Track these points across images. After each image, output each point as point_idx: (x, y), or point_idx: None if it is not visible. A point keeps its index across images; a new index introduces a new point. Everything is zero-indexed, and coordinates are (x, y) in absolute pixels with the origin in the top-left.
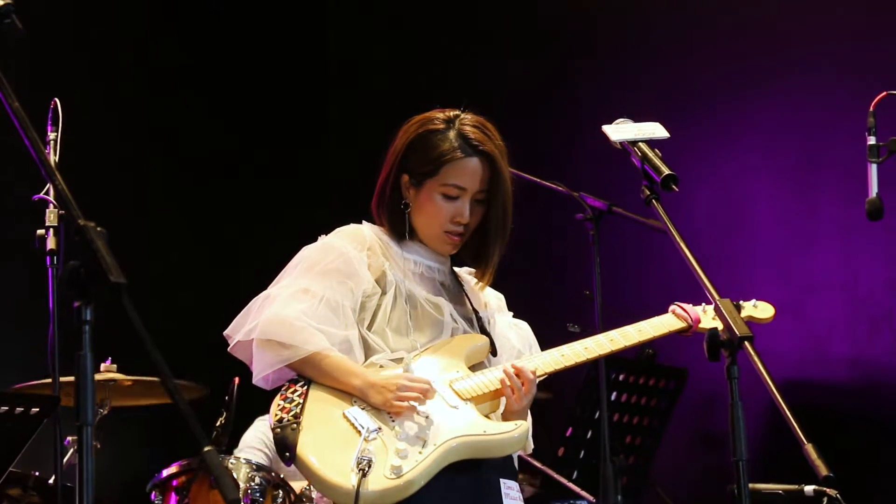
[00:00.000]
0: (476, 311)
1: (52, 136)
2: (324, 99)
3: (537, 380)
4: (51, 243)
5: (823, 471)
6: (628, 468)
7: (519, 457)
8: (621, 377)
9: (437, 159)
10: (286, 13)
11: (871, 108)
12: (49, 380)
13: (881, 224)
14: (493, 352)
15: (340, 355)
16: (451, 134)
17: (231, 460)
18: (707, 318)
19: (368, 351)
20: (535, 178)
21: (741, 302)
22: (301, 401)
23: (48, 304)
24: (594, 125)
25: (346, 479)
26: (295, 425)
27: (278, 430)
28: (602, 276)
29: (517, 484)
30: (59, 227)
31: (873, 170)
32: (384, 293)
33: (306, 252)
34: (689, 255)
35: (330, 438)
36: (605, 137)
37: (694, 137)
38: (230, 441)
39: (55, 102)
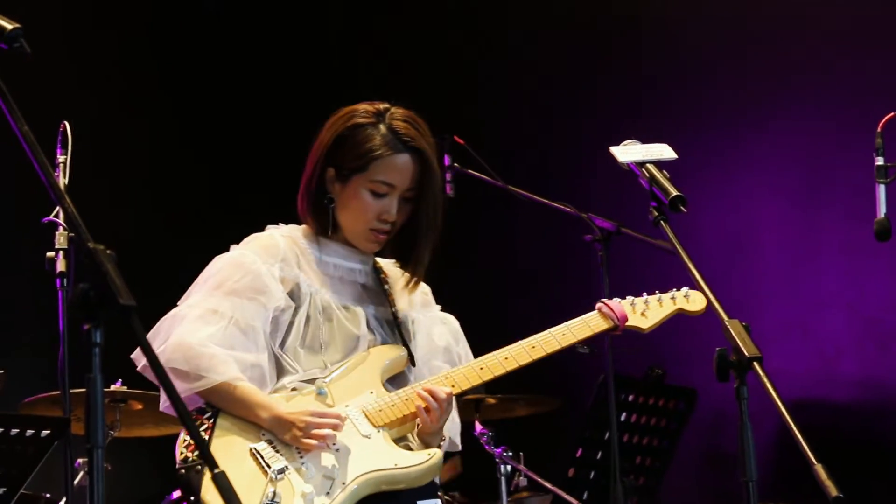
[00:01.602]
0: (396, 315)
1: (61, 158)
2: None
3: (453, 398)
4: (60, 266)
5: (833, 492)
6: (638, 489)
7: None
8: (630, 398)
9: (366, 154)
10: (290, 23)
11: (879, 129)
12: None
13: (888, 244)
14: (412, 361)
15: (248, 385)
16: (382, 128)
17: None
18: (636, 315)
19: (280, 371)
20: (543, 200)
21: (672, 291)
22: (206, 436)
23: (58, 325)
24: (602, 147)
25: None
26: (199, 466)
27: (183, 471)
28: (610, 296)
29: (438, 501)
30: (69, 249)
31: (881, 190)
32: (298, 307)
33: (216, 266)
34: (697, 276)
35: (236, 481)
36: (612, 159)
37: (702, 158)
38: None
39: (64, 125)
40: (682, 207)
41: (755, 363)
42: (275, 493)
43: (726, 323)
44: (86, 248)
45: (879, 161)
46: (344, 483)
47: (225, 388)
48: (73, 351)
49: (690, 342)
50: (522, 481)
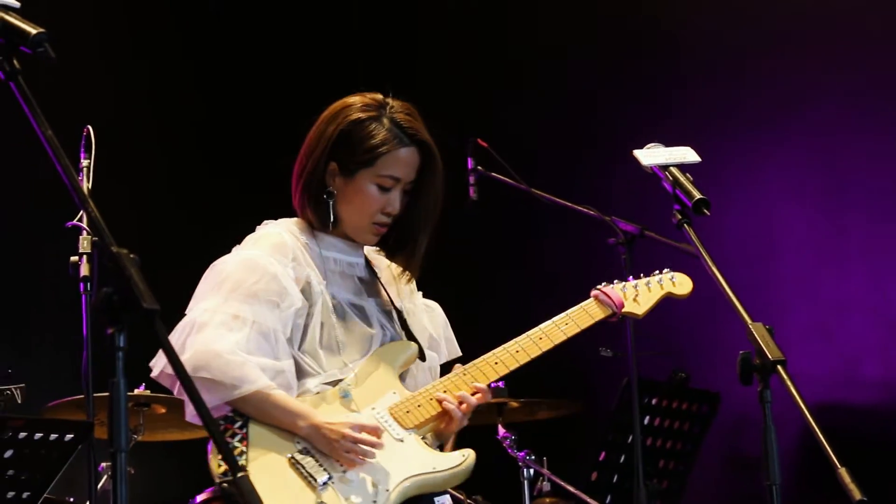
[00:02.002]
0: (395, 306)
1: (84, 163)
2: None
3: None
4: (84, 270)
5: (857, 495)
6: (661, 492)
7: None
8: (654, 401)
9: (374, 149)
10: (314, 23)
11: None
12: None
13: None
14: (422, 356)
15: (282, 393)
16: (385, 122)
17: None
18: (629, 300)
19: (301, 373)
20: (567, 203)
21: (656, 273)
22: (243, 448)
23: (82, 329)
24: (626, 150)
25: None
26: None
27: (224, 485)
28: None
29: (448, 497)
30: (93, 253)
31: None
32: (311, 306)
33: (227, 269)
34: (720, 279)
35: (280, 492)
36: (636, 162)
37: (725, 161)
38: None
39: (88, 130)
40: (705, 210)
41: (779, 366)
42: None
43: (750, 326)
44: (109, 251)
45: None
46: (388, 490)
47: (259, 397)
48: (97, 355)
49: (714, 345)
50: (545, 485)
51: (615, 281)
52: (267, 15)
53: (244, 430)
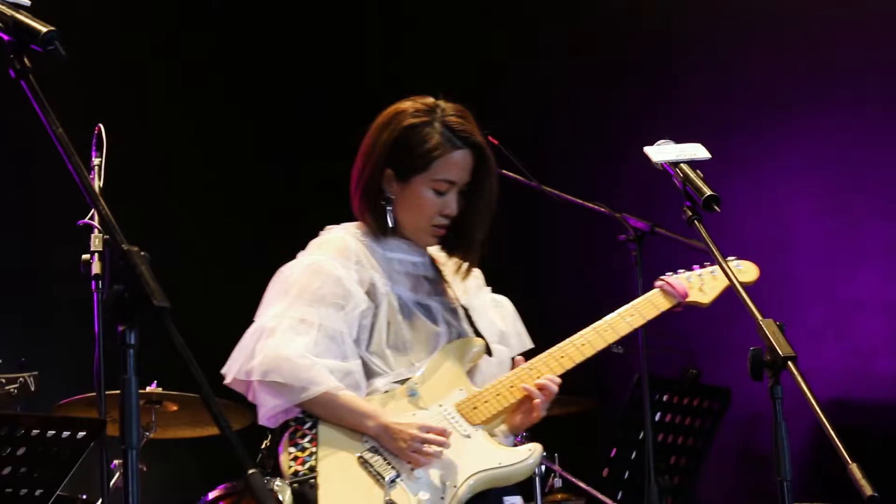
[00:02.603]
0: (461, 303)
1: (96, 161)
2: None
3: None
4: (95, 268)
5: (868, 491)
6: (673, 488)
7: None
8: (665, 397)
9: (428, 154)
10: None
11: None
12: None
13: None
14: (489, 352)
15: (350, 394)
16: (437, 126)
17: (277, 482)
18: (694, 289)
19: (369, 374)
20: (578, 200)
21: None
22: (313, 448)
23: (93, 327)
24: (636, 147)
25: None
26: (312, 480)
27: (296, 485)
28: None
29: (520, 498)
30: (104, 251)
31: None
32: (377, 307)
33: (293, 275)
34: (731, 275)
35: (350, 491)
36: (646, 159)
37: (736, 158)
38: (275, 463)
39: (99, 128)
40: (715, 207)
41: (790, 362)
42: (391, 501)
43: (761, 322)
44: (120, 249)
45: None
46: (455, 486)
47: (327, 398)
48: (109, 352)
49: (725, 342)
50: (557, 482)
51: (679, 270)
52: (290, 9)
53: (313, 431)
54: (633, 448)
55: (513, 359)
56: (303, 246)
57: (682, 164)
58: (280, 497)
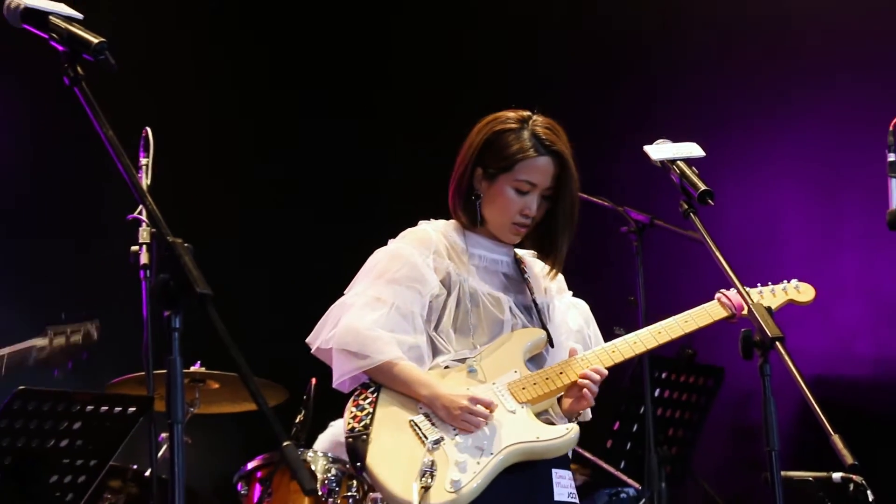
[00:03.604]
0: (535, 301)
1: (143, 161)
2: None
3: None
4: (143, 258)
5: (849, 459)
6: (671, 458)
7: (571, 449)
8: (664, 375)
9: (513, 156)
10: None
11: (891, 128)
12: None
13: None
14: (551, 343)
15: (410, 364)
16: (525, 133)
17: (309, 453)
18: (744, 303)
19: (435, 351)
20: (582, 195)
21: (783, 283)
22: (371, 409)
23: (142, 312)
24: (636, 144)
25: (408, 493)
26: (365, 436)
27: (350, 439)
28: (646, 282)
29: (569, 472)
30: (151, 243)
31: (893, 184)
32: (449, 293)
33: (377, 258)
34: (724, 263)
35: (396, 449)
36: (646, 157)
37: (728, 155)
38: (308, 436)
39: (146, 131)
40: (709, 201)
41: (777, 343)
42: (432, 462)
43: (751, 306)
44: (166, 241)
45: (891, 157)
46: (493, 454)
47: (388, 367)
48: (156, 335)
49: (719, 324)
50: None
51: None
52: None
53: (375, 395)
54: (635, 421)
55: (570, 350)
56: (330, 245)
57: (678, 162)
58: (313, 466)
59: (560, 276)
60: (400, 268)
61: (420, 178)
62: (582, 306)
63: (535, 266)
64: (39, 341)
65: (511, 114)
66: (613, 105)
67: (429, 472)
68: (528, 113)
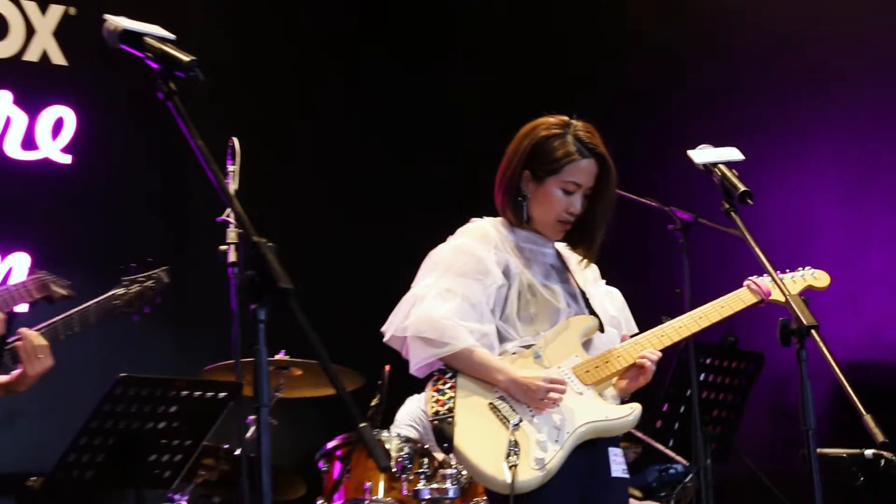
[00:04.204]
0: (580, 288)
1: (231, 168)
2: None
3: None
4: (231, 257)
5: (880, 437)
6: (716, 437)
7: None
8: (708, 361)
9: (560, 160)
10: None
11: None
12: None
13: None
14: (601, 328)
15: (484, 350)
16: (569, 138)
17: (384, 433)
18: (776, 290)
19: (501, 338)
20: (631, 196)
21: (800, 269)
22: (452, 393)
23: (231, 306)
24: (681, 148)
25: (500, 471)
26: (450, 419)
27: (436, 422)
28: (691, 278)
29: (621, 450)
30: (238, 243)
31: None
32: (510, 285)
33: (443, 253)
34: (763, 258)
35: (481, 431)
36: (690, 161)
37: (765, 158)
38: (383, 418)
39: (233, 141)
40: (749, 200)
41: (813, 330)
42: (515, 442)
43: (788, 297)
44: (252, 241)
45: None
46: (569, 432)
47: (465, 354)
48: (244, 327)
49: (758, 314)
50: None
51: (763, 275)
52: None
53: (453, 381)
54: (682, 403)
55: (622, 336)
56: (399, 244)
57: (720, 165)
58: (387, 445)
59: (594, 266)
60: (466, 261)
61: (471, 187)
62: (616, 294)
63: (572, 257)
64: (118, 290)
65: (552, 119)
66: (661, 115)
67: (513, 451)
68: (567, 118)
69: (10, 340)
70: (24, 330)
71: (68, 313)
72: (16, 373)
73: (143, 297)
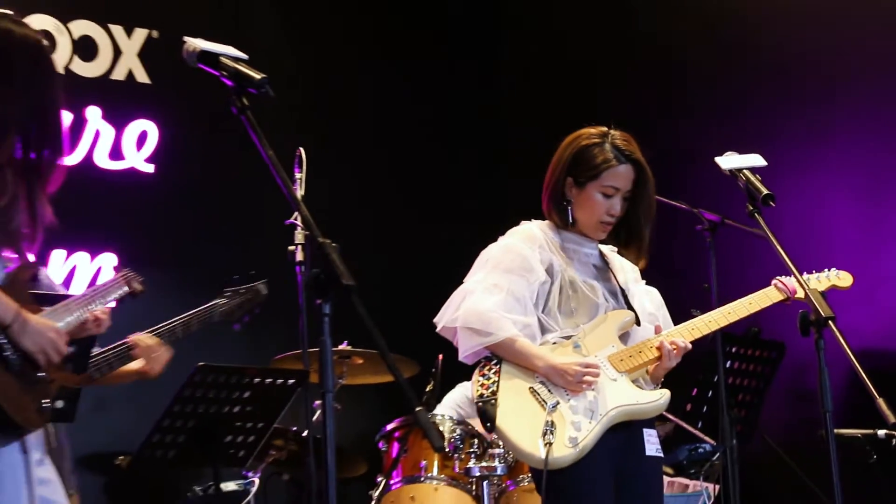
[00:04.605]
0: (620, 286)
1: (298, 176)
2: (504, 136)
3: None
4: (299, 256)
5: (892, 418)
6: (741, 419)
7: None
8: (734, 349)
9: (599, 166)
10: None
11: None
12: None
13: None
14: (638, 322)
15: (526, 340)
16: (607, 146)
17: (438, 416)
18: (801, 289)
19: (543, 329)
20: (662, 198)
21: (825, 271)
22: (496, 378)
23: (298, 301)
24: (708, 156)
25: (536, 448)
26: (493, 401)
27: (480, 403)
28: (718, 275)
29: (655, 431)
30: (305, 244)
31: None
32: (553, 281)
33: (493, 252)
34: (784, 256)
35: (520, 411)
36: (717, 166)
37: (786, 163)
38: (436, 402)
39: (300, 151)
40: (771, 203)
41: (830, 322)
42: (552, 422)
43: (808, 291)
44: (317, 242)
45: None
46: (602, 415)
47: (509, 343)
48: (310, 320)
49: (780, 307)
50: None
51: (790, 275)
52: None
53: (498, 367)
54: (710, 388)
55: (656, 327)
56: (454, 243)
57: (744, 170)
58: (441, 427)
59: (636, 268)
60: (513, 259)
61: (526, 192)
62: (654, 293)
63: (615, 258)
64: (220, 301)
65: (592, 130)
66: (689, 125)
67: (549, 430)
68: (605, 129)
69: (120, 344)
70: (133, 337)
71: (171, 322)
72: (134, 366)
73: (243, 307)
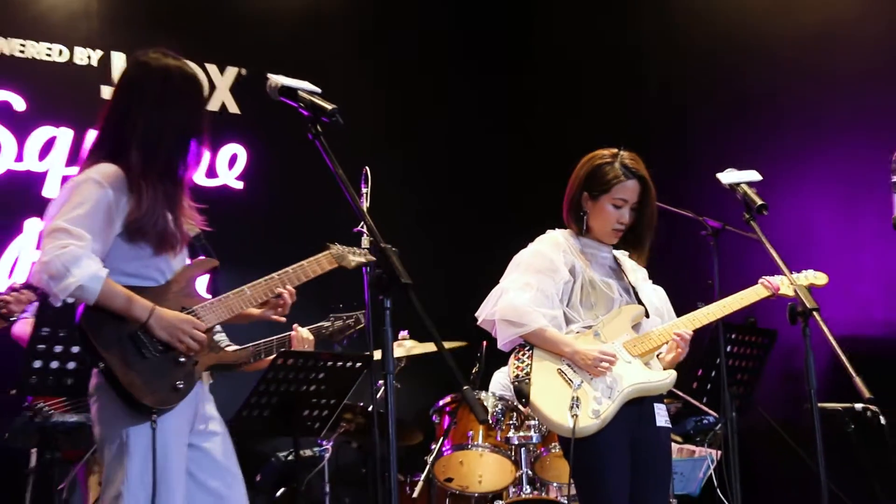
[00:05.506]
0: (632, 284)
1: (364, 190)
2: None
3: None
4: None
5: (866, 394)
6: (739, 395)
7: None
8: (733, 336)
9: (610, 181)
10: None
11: (894, 158)
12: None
13: None
14: (647, 315)
15: (554, 330)
16: (617, 164)
17: (483, 394)
18: (785, 286)
19: (568, 321)
20: (669, 207)
21: (803, 271)
22: (529, 361)
23: (364, 296)
24: (711, 170)
25: (565, 419)
26: (527, 380)
27: (516, 383)
28: (720, 276)
29: (664, 406)
30: (370, 248)
31: None
32: (575, 280)
33: (523, 256)
34: (776, 257)
35: (550, 389)
36: (717, 181)
37: (778, 176)
38: (481, 382)
39: (366, 170)
40: (765, 212)
41: (815, 312)
42: (577, 398)
43: (796, 287)
44: (379, 247)
45: (894, 178)
46: (619, 391)
47: (540, 332)
48: (375, 312)
49: (773, 300)
50: None
51: (775, 274)
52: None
53: (530, 352)
54: (712, 369)
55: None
56: (495, 245)
57: (741, 184)
58: (485, 403)
59: (644, 269)
60: (541, 261)
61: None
62: (660, 291)
63: (626, 261)
64: (325, 323)
65: (605, 151)
66: (692, 143)
67: (576, 404)
68: (616, 150)
69: (283, 336)
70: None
71: (281, 336)
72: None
73: (343, 332)
